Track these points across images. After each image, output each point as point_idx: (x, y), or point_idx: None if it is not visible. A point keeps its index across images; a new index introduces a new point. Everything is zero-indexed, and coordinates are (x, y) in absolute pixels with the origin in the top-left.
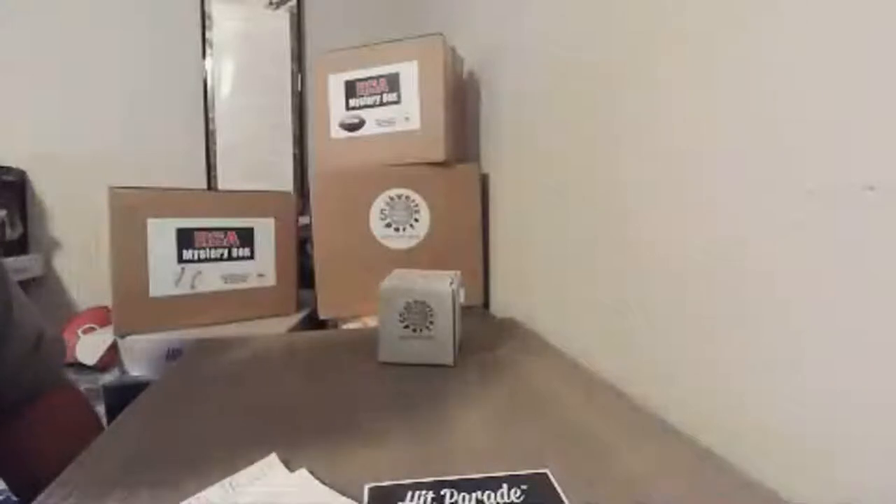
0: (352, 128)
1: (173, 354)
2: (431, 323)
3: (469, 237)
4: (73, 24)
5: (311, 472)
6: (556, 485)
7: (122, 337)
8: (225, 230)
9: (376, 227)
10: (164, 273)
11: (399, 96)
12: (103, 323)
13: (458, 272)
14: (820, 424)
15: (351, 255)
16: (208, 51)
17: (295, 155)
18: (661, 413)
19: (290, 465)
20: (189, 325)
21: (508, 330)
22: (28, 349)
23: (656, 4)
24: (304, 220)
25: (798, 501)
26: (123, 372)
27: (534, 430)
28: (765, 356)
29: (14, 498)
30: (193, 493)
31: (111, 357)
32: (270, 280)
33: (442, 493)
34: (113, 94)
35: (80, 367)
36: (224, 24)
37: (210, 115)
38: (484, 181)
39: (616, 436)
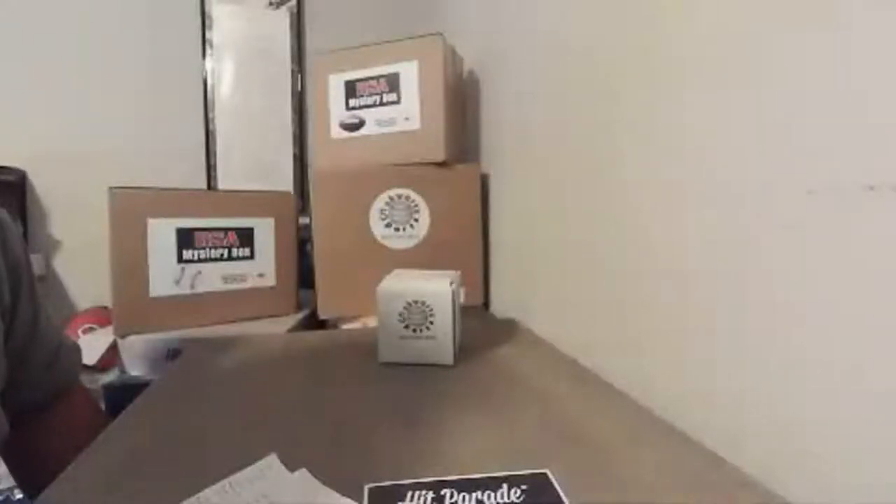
0: (352, 128)
1: (173, 354)
2: (431, 323)
3: (469, 237)
4: (74, 24)
5: (311, 472)
6: (556, 485)
7: (122, 337)
8: (225, 230)
9: (376, 227)
10: (164, 273)
11: (399, 96)
12: (103, 323)
13: (458, 272)
14: (820, 424)
15: (351, 255)
16: (208, 51)
17: (295, 155)
18: (661, 413)
19: (290, 465)
20: (189, 325)
21: (508, 330)
22: (50, 356)
23: (657, 4)
24: (304, 220)
25: (798, 501)
26: (123, 372)
27: (534, 430)
28: (765, 356)
29: (16, 497)
30: (193, 493)
31: (111, 357)
32: (270, 280)
33: (442, 493)
34: (113, 94)
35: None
36: (224, 24)
37: (210, 115)
38: (484, 181)
39: (616, 436)
